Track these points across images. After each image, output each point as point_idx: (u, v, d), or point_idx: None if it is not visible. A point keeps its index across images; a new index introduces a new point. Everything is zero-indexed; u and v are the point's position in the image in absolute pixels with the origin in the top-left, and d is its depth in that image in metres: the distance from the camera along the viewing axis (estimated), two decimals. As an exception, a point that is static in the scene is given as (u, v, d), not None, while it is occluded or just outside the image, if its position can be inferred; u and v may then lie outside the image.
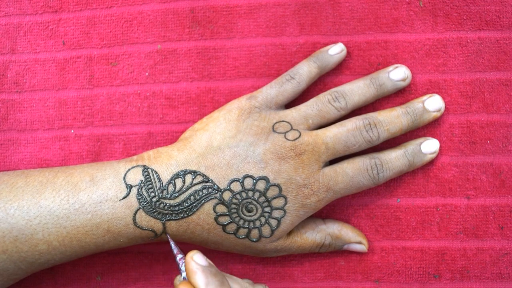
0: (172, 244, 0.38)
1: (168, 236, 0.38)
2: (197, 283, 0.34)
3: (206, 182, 0.38)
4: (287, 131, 0.40)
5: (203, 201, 0.38)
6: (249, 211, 0.39)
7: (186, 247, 0.44)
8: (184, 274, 0.36)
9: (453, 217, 0.43)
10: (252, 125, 0.40)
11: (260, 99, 0.41)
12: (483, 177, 0.43)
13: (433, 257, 0.43)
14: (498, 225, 0.43)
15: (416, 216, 0.43)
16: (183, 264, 0.36)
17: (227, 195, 0.38)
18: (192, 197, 0.38)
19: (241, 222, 0.39)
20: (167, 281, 0.44)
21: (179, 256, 0.37)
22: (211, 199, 0.38)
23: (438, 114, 0.42)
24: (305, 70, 0.42)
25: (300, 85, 0.42)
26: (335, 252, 0.44)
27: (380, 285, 0.43)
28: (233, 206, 0.38)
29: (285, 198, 0.39)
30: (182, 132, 0.44)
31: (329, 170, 0.40)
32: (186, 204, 0.38)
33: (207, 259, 0.35)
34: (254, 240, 0.39)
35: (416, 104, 0.42)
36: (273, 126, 0.40)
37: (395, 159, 0.41)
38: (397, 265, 0.43)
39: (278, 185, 0.38)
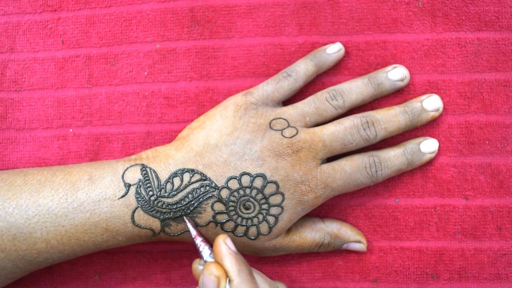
0: (190, 226, 0.37)
1: (186, 219, 0.38)
2: (229, 268, 0.33)
3: (204, 180, 0.38)
4: (284, 128, 0.40)
5: (201, 199, 0.38)
6: (247, 209, 0.39)
7: (184, 246, 0.44)
8: (206, 257, 0.35)
9: (451, 218, 0.43)
10: (249, 122, 0.40)
11: (256, 95, 0.41)
12: (482, 178, 0.43)
13: (431, 258, 0.43)
14: (496, 226, 0.43)
15: (414, 216, 0.43)
16: (205, 246, 0.36)
17: (224, 193, 0.38)
18: (190, 195, 0.38)
19: (239, 220, 0.39)
20: (165, 280, 0.44)
21: (199, 239, 0.36)
22: (209, 197, 0.38)
23: (437, 113, 0.42)
24: (302, 68, 0.42)
25: (296, 82, 0.42)
26: (333, 252, 0.44)
27: (378, 285, 0.43)
28: (231, 203, 0.38)
29: (283, 195, 0.39)
30: (181, 131, 0.44)
31: (327, 167, 0.40)
32: (184, 203, 0.38)
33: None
34: (252, 238, 0.39)
35: (415, 103, 0.42)
36: (270, 123, 0.40)
37: (394, 158, 0.41)
38: (395, 265, 0.43)
39: (275, 182, 0.38)
